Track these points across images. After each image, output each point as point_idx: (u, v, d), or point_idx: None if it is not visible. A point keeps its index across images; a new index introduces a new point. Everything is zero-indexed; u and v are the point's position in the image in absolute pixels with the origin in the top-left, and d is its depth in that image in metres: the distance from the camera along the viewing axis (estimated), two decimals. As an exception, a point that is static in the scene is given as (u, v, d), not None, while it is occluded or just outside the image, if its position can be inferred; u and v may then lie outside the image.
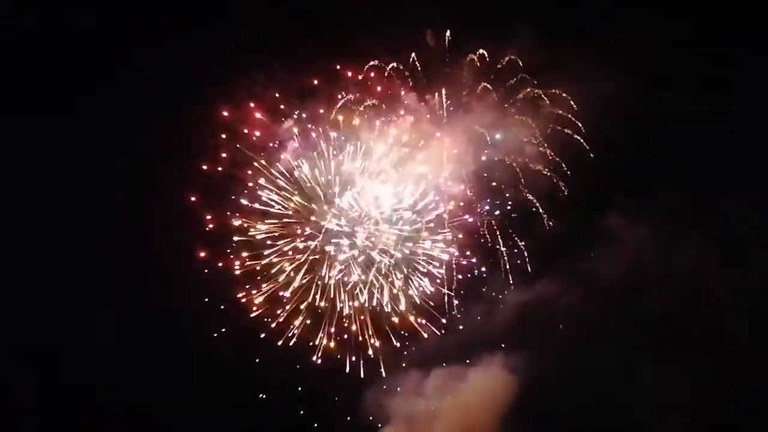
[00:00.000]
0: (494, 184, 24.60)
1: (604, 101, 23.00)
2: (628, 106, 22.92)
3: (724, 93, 23.63)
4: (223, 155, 23.98)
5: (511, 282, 24.72)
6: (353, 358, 24.52)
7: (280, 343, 24.21)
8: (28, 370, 24.21)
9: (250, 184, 24.15)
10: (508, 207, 24.64)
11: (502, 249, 24.63)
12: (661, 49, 23.69)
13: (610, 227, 24.12)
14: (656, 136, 23.88)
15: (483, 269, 24.84)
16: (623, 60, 23.11)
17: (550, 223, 24.42)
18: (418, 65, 24.12)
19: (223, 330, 24.24)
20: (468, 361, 25.07)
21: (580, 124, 24.13)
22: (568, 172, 24.29)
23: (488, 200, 24.61)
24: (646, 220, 23.82)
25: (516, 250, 24.69)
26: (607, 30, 23.47)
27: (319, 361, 24.46)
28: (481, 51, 24.03)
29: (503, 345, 24.60)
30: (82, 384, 24.30)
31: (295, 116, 24.22)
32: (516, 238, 24.70)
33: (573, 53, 22.93)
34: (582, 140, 24.11)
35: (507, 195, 24.55)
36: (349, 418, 24.88)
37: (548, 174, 24.34)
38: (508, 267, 24.68)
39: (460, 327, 24.91)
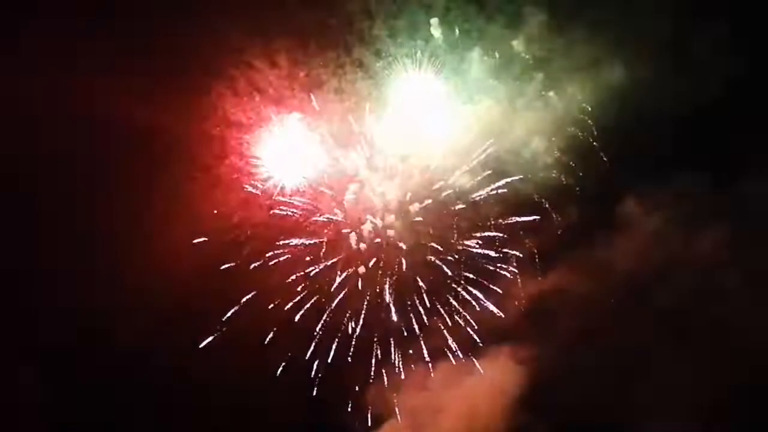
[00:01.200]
0: (502, 177, 24.47)
1: (615, 86, 23.06)
2: (641, 92, 22.87)
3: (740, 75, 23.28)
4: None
5: (518, 277, 24.73)
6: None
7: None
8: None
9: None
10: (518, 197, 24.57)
11: (509, 252, 24.67)
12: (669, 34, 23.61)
13: (625, 215, 24.09)
14: (669, 119, 23.64)
15: (491, 261, 24.79)
16: (635, 46, 23.06)
17: (558, 218, 24.50)
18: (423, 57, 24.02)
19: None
20: (475, 353, 25.07)
21: (590, 111, 24.15)
22: (580, 173, 24.35)
23: (495, 192, 24.49)
24: (662, 207, 23.78)
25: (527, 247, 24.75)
26: (615, 19, 23.42)
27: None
28: (489, 46, 23.94)
29: (512, 337, 24.60)
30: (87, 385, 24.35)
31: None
32: (524, 231, 24.71)
33: (582, 43, 23.01)
34: (592, 128, 24.18)
35: (516, 186, 24.44)
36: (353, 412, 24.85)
37: (558, 174, 24.43)
38: (514, 260, 24.75)
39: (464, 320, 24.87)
